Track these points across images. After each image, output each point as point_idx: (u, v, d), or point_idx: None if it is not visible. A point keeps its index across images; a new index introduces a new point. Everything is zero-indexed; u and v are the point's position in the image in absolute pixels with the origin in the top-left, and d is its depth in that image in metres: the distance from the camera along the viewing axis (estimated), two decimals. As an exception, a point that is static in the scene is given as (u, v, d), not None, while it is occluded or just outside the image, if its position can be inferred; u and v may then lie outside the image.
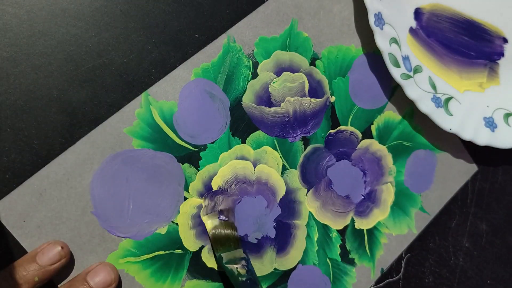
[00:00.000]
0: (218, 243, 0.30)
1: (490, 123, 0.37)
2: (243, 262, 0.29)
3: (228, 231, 0.31)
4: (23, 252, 0.27)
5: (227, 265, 0.29)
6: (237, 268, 0.29)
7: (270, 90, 0.33)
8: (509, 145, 0.37)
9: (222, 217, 0.31)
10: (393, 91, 0.37)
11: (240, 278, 0.28)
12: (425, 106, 0.34)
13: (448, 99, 0.36)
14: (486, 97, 0.38)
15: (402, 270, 0.37)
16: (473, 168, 0.40)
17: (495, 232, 0.41)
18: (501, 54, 0.39)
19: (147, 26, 0.29)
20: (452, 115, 0.36)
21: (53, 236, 0.27)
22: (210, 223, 0.31)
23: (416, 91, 0.34)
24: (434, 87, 0.35)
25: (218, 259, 0.30)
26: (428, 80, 0.35)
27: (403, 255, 0.37)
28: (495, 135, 0.37)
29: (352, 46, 0.35)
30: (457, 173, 0.39)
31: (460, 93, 0.37)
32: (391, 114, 0.37)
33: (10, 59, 0.27)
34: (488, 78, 0.38)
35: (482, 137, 0.36)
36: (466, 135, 0.36)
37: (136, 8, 0.29)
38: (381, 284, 0.36)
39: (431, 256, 0.38)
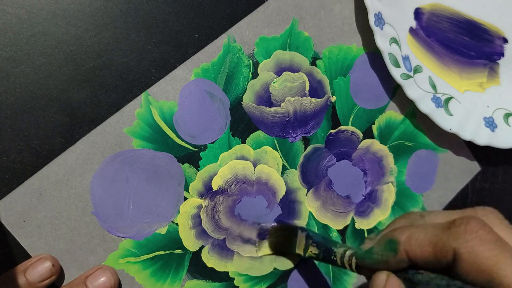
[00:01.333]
0: (283, 251, 0.32)
1: (490, 123, 0.37)
2: (311, 241, 0.29)
3: (274, 240, 0.32)
4: (23, 252, 0.27)
5: (308, 257, 0.30)
6: (311, 251, 0.29)
7: (270, 90, 0.33)
8: (509, 145, 0.37)
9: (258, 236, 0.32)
10: (394, 90, 0.37)
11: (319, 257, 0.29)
12: (425, 106, 0.34)
13: (448, 99, 0.36)
14: (486, 97, 0.38)
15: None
16: (475, 168, 0.40)
17: (495, 232, 0.41)
18: (501, 54, 0.39)
19: (147, 26, 0.29)
20: (452, 115, 0.36)
21: (53, 236, 0.27)
22: (263, 251, 0.32)
23: (416, 91, 0.34)
24: (434, 87, 0.35)
25: (302, 258, 0.31)
26: (428, 80, 0.35)
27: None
28: (495, 135, 0.37)
29: (353, 46, 0.35)
30: (459, 173, 0.39)
31: (460, 93, 0.37)
32: (392, 113, 0.37)
33: (10, 59, 0.27)
34: (488, 78, 0.38)
35: (482, 137, 0.36)
36: (466, 135, 0.36)
37: (136, 8, 0.29)
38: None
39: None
